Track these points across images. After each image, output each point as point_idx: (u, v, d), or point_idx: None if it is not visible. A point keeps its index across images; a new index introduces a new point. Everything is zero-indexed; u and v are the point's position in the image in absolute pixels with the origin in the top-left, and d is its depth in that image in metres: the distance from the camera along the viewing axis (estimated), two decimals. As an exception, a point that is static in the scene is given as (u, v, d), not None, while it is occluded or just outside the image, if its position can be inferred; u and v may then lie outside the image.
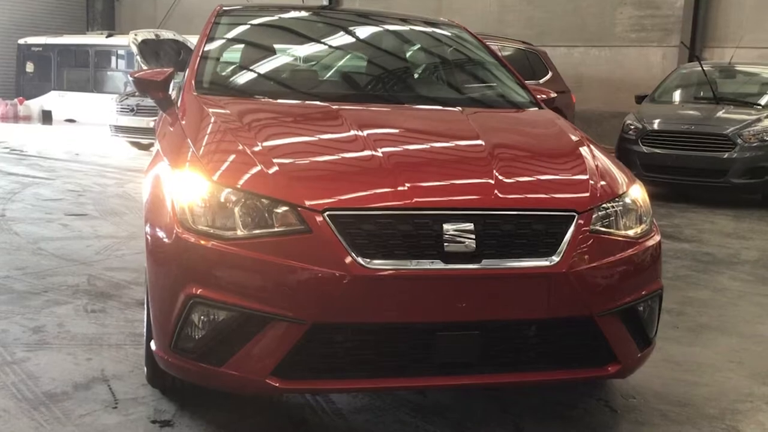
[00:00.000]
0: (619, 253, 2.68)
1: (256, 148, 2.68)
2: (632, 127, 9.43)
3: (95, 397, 2.93)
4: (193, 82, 3.44)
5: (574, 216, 2.59)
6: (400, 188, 2.52)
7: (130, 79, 3.66)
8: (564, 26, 16.34)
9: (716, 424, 2.97)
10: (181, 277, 2.49)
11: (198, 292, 2.44)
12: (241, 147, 2.70)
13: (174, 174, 2.65)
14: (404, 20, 4.38)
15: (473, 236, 2.45)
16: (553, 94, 4.11)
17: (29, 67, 19.44)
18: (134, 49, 11.31)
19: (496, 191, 2.59)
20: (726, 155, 8.73)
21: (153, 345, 2.67)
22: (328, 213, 2.40)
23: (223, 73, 3.67)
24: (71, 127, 16.99)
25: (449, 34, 4.38)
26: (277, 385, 2.41)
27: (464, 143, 3.08)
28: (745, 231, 7.38)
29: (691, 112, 9.59)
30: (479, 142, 2.96)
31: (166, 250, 2.54)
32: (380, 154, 2.70)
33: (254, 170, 2.56)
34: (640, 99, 10.45)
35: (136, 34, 11.03)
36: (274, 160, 2.59)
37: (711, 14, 14.83)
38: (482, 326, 2.51)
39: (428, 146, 3.06)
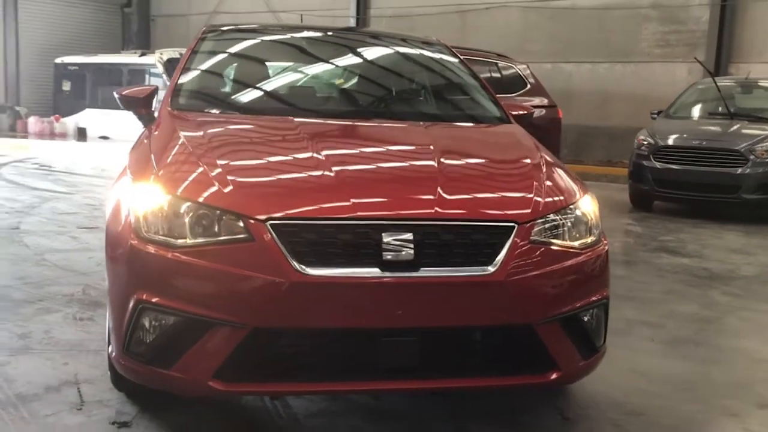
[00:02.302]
0: (561, 263, 2.74)
1: (212, 162, 2.80)
2: (645, 142, 9.42)
3: (63, 399, 3.07)
4: (170, 98, 3.60)
5: (513, 227, 2.67)
6: (342, 199, 2.62)
7: (116, 96, 3.83)
8: (588, 42, 16.34)
9: (665, 434, 3.00)
10: (132, 283, 2.62)
11: (146, 298, 2.57)
12: (197, 161, 2.83)
13: (134, 186, 2.79)
14: (381, 37, 4.50)
15: (412, 246, 2.54)
16: (530, 110, 4.18)
17: (65, 86, 19.99)
18: (160, 68, 11.63)
19: (437, 203, 2.67)
20: (738, 171, 8.67)
21: (110, 349, 2.80)
22: (270, 222, 2.51)
23: (200, 90, 3.81)
24: (104, 144, 17.42)
25: (427, 50, 4.49)
26: (220, 387, 2.52)
27: (415, 158, 3.18)
28: (751, 247, 7.33)
29: (704, 127, 9.55)
30: (430, 156, 3.05)
31: (120, 258, 2.67)
32: (330, 167, 2.81)
33: (206, 183, 2.69)
34: (655, 115, 10.42)
35: (161, 53, 11.35)
36: (227, 174, 2.72)
37: (736, 30, 14.72)
38: (421, 333, 2.60)
39: (379, 160, 3.18)
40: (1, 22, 19.79)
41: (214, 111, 3.61)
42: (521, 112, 4.07)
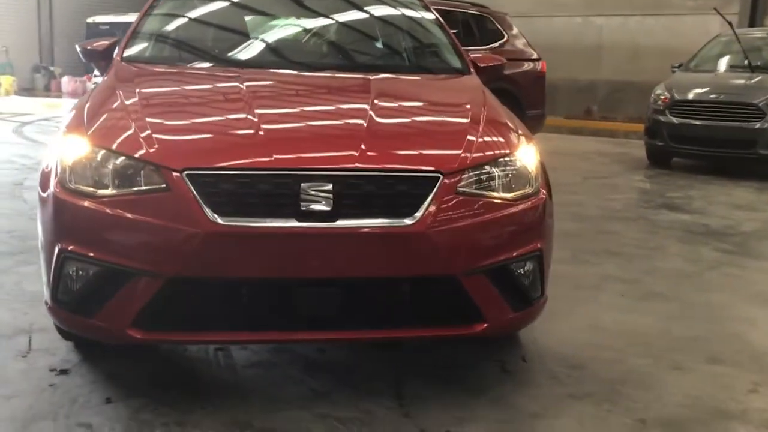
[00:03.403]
0: (489, 214, 2.70)
1: (140, 114, 2.81)
2: (662, 97, 9.18)
3: (12, 347, 3.16)
4: (122, 50, 3.61)
5: (438, 178, 2.63)
6: (263, 150, 2.61)
7: (78, 49, 3.86)
8: (618, -6, 15.89)
9: (599, 388, 2.96)
10: (56, 233, 2.65)
11: (69, 248, 2.61)
12: (126, 112, 2.84)
13: (63, 137, 2.82)
14: None
15: (331, 196, 2.52)
16: (500, 61, 4.09)
17: (97, 45, 20.17)
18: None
19: (360, 153, 2.64)
20: (756, 125, 8.41)
21: (45, 298, 2.86)
22: (186, 172, 2.51)
23: (151, 42, 3.81)
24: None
25: (392, 1, 4.40)
26: (138, 336, 2.56)
27: (348, 110, 3.14)
28: (760, 203, 7.14)
29: (723, 81, 9.26)
30: (364, 108, 3.00)
31: (47, 208, 2.71)
32: (256, 118, 2.79)
33: (128, 133, 2.70)
34: (676, 68, 10.14)
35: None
36: (149, 124, 2.72)
37: (773, -20, 14.18)
38: (339, 283, 2.59)
39: (310, 111, 3.14)
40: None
41: (162, 63, 3.61)
42: (489, 64, 3.99)
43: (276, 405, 2.72)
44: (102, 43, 3.80)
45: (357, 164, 2.61)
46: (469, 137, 2.85)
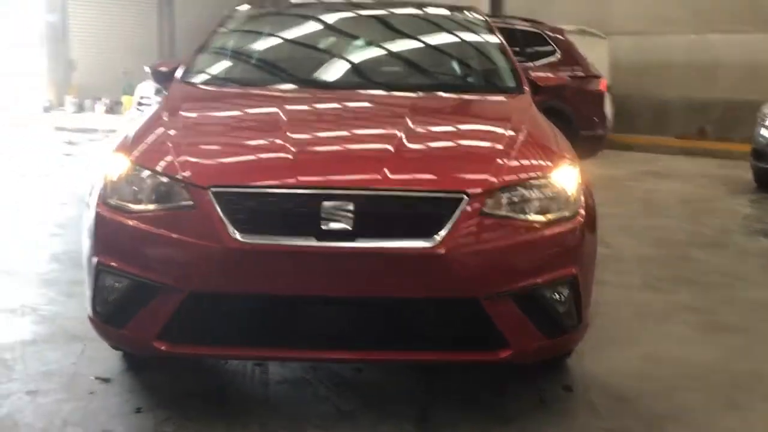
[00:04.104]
0: (516, 237, 2.63)
1: (177, 135, 2.90)
2: (769, 116, 8.68)
3: (69, 352, 3.30)
4: (181, 72, 3.74)
5: (462, 199, 2.58)
6: (287, 170, 2.64)
7: (148, 69, 4.04)
8: (735, 10, 15.17)
9: (639, 424, 2.80)
10: (94, 246, 2.77)
11: (103, 261, 2.71)
12: (165, 133, 2.94)
13: (110, 156, 2.94)
14: (406, 7, 4.43)
15: (351, 216, 2.52)
16: (561, 81, 4.00)
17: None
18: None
19: (384, 174, 2.63)
20: None
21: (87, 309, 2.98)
22: (212, 190, 2.57)
23: (209, 63, 3.92)
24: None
25: (452, 20, 4.37)
26: (163, 348, 2.62)
27: (382, 129, 3.13)
28: None
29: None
30: (398, 128, 2.97)
31: (89, 222, 2.83)
32: (286, 141, 2.81)
33: (165, 153, 2.79)
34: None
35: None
36: (185, 145, 2.81)
37: None
38: (358, 303, 2.58)
39: (343, 133, 3.16)
40: (158, 6, 20.95)
41: (213, 84, 3.72)
42: (549, 84, 3.90)
43: (297, 422, 2.73)
44: (169, 63, 3.96)
45: (378, 185, 2.59)
46: (500, 159, 2.78)
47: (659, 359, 3.44)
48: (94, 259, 2.75)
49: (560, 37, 8.65)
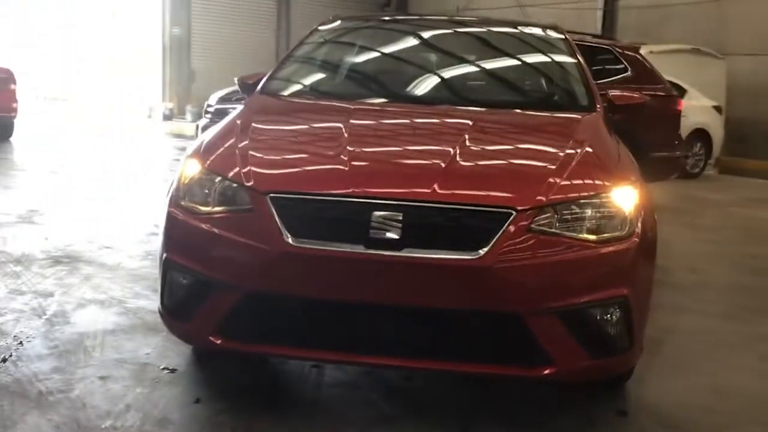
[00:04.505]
0: (563, 254, 2.63)
1: (245, 141, 3.06)
2: None
3: (146, 343, 3.52)
4: (263, 82, 3.93)
5: (510, 214, 2.61)
6: (342, 180, 2.75)
7: (236, 80, 4.26)
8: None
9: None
10: (165, 244, 2.97)
11: (172, 257, 2.90)
12: (235, 140, 3.10)
13: (185, 160, 3.14)
14: (488, 25, 4.48)
15: (400, 225, 2.60)
16: (640, 100, 3.95)
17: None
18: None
19: (435, 186, 2.69)
20: None
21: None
22: (271, 195, 2.71)
23: (290, 75, 4.09)
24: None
25: (532, 38, 4.39)
26: (218, 342, 2.78)
27: (440, 143, 3.17)
28: None
29: None
30: (456, 142, 3.03)
31: (163, 222, 3.03)
32: (345, 153, 2.91)
33: (233, 159, 2.94)
34: None
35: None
36: (251, 153, 2.96)
37: None
38: (402, 311, 2.65)
39: (402, 146, 3.24)
40: (276, 20, 21.67)
41: (289, 95, 3.89)
42: (627, 102, 3.87)
43: (340, 424, 2.83)
44: (254, 75, 4.16)
45: (428, 197, 2.65)
46: (553, 176, 2.79)
47: (723, 391, 3.33)
48: (164, 256, 2.94)
49: (632, 54, 8.34)
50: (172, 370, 3.24)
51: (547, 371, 2.64)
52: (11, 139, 12.86)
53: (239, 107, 3.69)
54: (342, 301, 2.67)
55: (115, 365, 3.26)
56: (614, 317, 2.73)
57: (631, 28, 17.95)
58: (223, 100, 7.53)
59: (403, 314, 2.66)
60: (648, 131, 7.31)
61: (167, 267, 2.93)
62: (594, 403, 3.11)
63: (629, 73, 8.15)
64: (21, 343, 3.44)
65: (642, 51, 13.38)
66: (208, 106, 11.47)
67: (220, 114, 7.48)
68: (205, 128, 7.59)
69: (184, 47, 20.11)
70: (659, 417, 3.02)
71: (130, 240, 5.61)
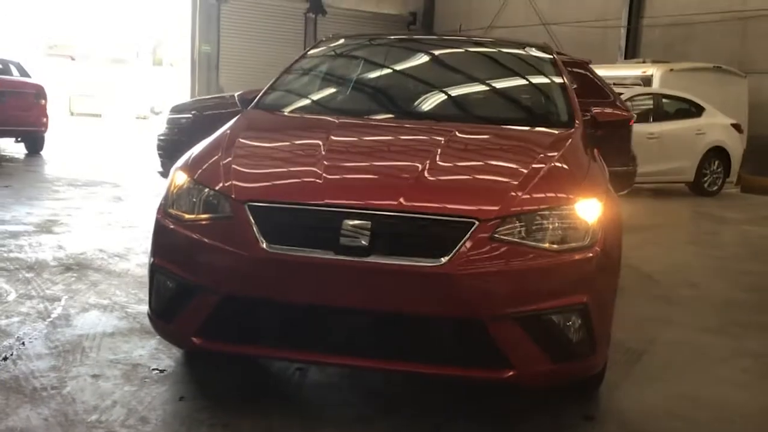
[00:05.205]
0: (523, 262, 2.75)
1: (229, 153, 3.23)
2: None
3: (141, 345, 3.70)
4: (258, 98, 4.12)
5: (473, 223, 2.74)
6: (315, 190, 2.91)
7: (236, 96, 4.45)
8: None
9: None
10: (153, 249, 3.15)
11: (158, 262, 3.08)
12: (220, 152, 3.27)
13: (174, 171, 3.32)
14: (474, 44, 4.63)
15: (368, 233, 2.75)
16: (615, 117, 4.11)
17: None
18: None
19: (402, 196, 2.83)
20: None
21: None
22: (248, 204, 2.87)
23: (283, 92, 4.27)
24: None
25: (519, 55, 4.54)
26: (200, 344, 2.94)
27: (413, 156, 3.31)
28: None
29: None
30: (429, 154, 3.18)
31: (153, 227, 3.21)
32: (322, 165, 3.07)
33: (217, 171, 3.11)
34: None
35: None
36: (234, 165, 3.12)
37: None
38: (368, 314, 2.78)
39: (376, 159, 3.39)
40: (304, 40, 22.02)
41: (282, 109, 4.07)
42: (608, 119, 4.01)
43: (316, 423, 2.96)
44: (252, 91, 4.35)
45: (395, 207, 2.79)
46: (517, 188, 2.91)
47: (698, 400, 3.41)
48: (152, 260, 3.12)
49: (580, 69, 8.11)
50: (162, 371, 3.40)
51: (507, 374, 2.75)
52: (42, 152, 13.27)
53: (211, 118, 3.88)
54: (314, 305, 2.82)
55: (108, 365, 3.43)
56: (575, 323, 2.84)
57: (655, 45, 17.96)
58: (174, 110, 7.71)
59: (372, 318, 2.79)
60: (599, 146, 7.18)
61: (154, 271, 3.11)
62: (564, 408, 3.21)
63: (573, 86, 8.00)
64: (23, 343, 3.63)
65: (663, 69, 13.49)
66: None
67: (172, 123, 7.65)
68: (161, 137, 7.73)
69: (213, 64, 20.54)
70: (625, 423, 3.11)
71: (141, 248, 5.81)
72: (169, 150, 7.50)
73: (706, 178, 11.98)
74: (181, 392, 3.19)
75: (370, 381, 3.38)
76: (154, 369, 3.42)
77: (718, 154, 11.99)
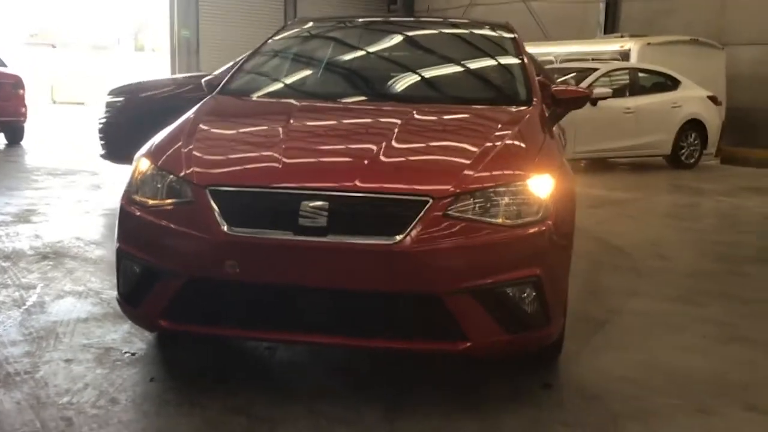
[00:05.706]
0: (477, 238, 2.84)
1: (191, 139, 3.30)
2: None
3: (114, 330, 3.78)
4: (223, 83, 4.18)
5: (428, 201, 2.83)
6: (275, 173, 2.99)
7: (203, 82, 4.50)
8: None
9: (599, 420, 2.94)
10: (118, 235, 3.22)
11: (124, 247, 3.16)
12: (182, 137, 3.34)
13: (138, 157, 3.38)
14: (433, 24, 4.70)
15: (326, 214, 2.83)
16: (584, 93, 4.16)
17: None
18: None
19: (358, 177, 2.91)
20: None
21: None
22: (209, 188, 2.95)
23: (247, 77, 4.32)
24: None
25: (480, 35, 4.62)
26: (166, 325, 3.02)
27: (370, 136, 3.41)
28: None
29: None
30: (386, 135, 3.26)
31: (118, 213, 3.28)
32: (281, 148, 3.15)
33: (175, 154, 3.20)
34: None
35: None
36: (195, 150, 3.19)
37: None
38: (328, 293, 2.87)
39: (335, 141, 3.46)
40: (283, 24, 21.99)
41: (240, 96, 4.13)
42: (568, 96, 4.09)
43: (281, 399, 3.05)
44: (218, 76, 4.41)
45: (351, 187, 2.88)
46: (471, 166, 3.00)
47: (653, 366, 3.52)
48: (118, 246, 3.20)
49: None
50: (134, 354, 3.49)
51: (464, 346, 2.85)
52: (22, 142, 13.26)
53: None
54: (276, 285, 2.90)
55: (81, 349, 3.51)
56: (529, 295, 2.94)
57: (634, 20, 18.03)
58: (111, 93, 7.71)
59: (333, 296, 2.88)
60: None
61: (120, 257, 3.19)
62: (522, 376, 3.31)
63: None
64: (-3, 330, 3.71)
65: (641, 43, 13.61)
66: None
67: (108, 106, 7.66)
68: (101, 120, 7.73)
69: (193, 49, 20.46)
70: (582, 389, 3.22)
71: (118, 236, 5.87)
72: (107, 132, 7.54)
73: (683, 151, 12.10)
74: (151, 374, 3.28)
75: (337, 358, 3.47)
76: (126, 352, 3.50)
77: (694, 126, 12.10)
